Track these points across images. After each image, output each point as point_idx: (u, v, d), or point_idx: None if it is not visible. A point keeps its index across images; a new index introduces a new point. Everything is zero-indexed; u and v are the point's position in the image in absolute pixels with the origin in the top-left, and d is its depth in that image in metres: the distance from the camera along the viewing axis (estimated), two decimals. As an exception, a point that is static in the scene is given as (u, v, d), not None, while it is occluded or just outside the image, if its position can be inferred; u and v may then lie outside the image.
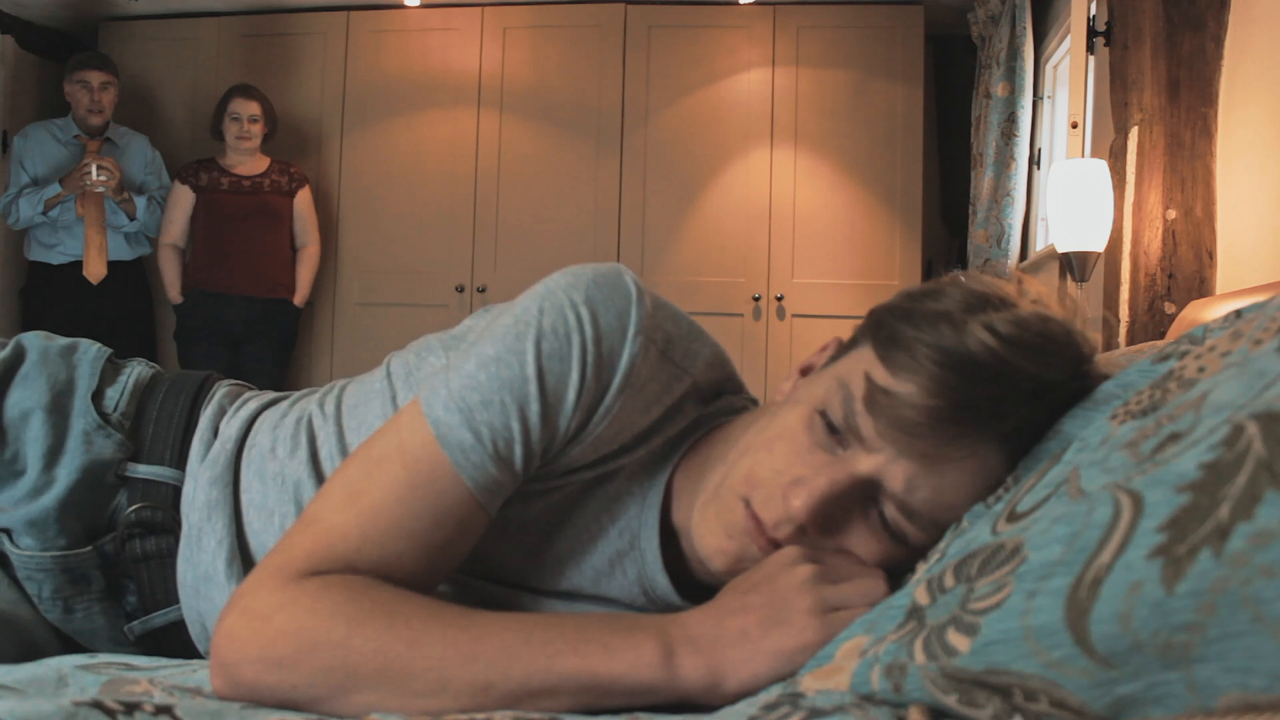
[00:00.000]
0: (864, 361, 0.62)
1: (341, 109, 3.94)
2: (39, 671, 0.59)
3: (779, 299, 3.74)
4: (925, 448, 0.58)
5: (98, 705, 0.47)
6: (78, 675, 0.59)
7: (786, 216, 3.76)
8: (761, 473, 0.63)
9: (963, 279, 0.64)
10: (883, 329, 0.61)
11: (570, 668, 0.56)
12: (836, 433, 0.61)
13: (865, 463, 0.60)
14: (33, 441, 0.75)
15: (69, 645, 0.76)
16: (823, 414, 0.62)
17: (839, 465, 0.60)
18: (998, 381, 0.57)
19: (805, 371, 0.71)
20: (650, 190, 3.84)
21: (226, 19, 4.00)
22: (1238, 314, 0.55)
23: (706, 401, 0.73)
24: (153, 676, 0.60)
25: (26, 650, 0.73)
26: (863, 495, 0.61)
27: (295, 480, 0.74)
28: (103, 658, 0.66)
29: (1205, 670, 0.36)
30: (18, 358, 0.79)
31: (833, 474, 0.60)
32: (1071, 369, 0.60)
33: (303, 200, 3.56)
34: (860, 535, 0.62)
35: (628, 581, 0.70)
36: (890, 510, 0.61)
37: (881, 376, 0.59)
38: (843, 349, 0.67)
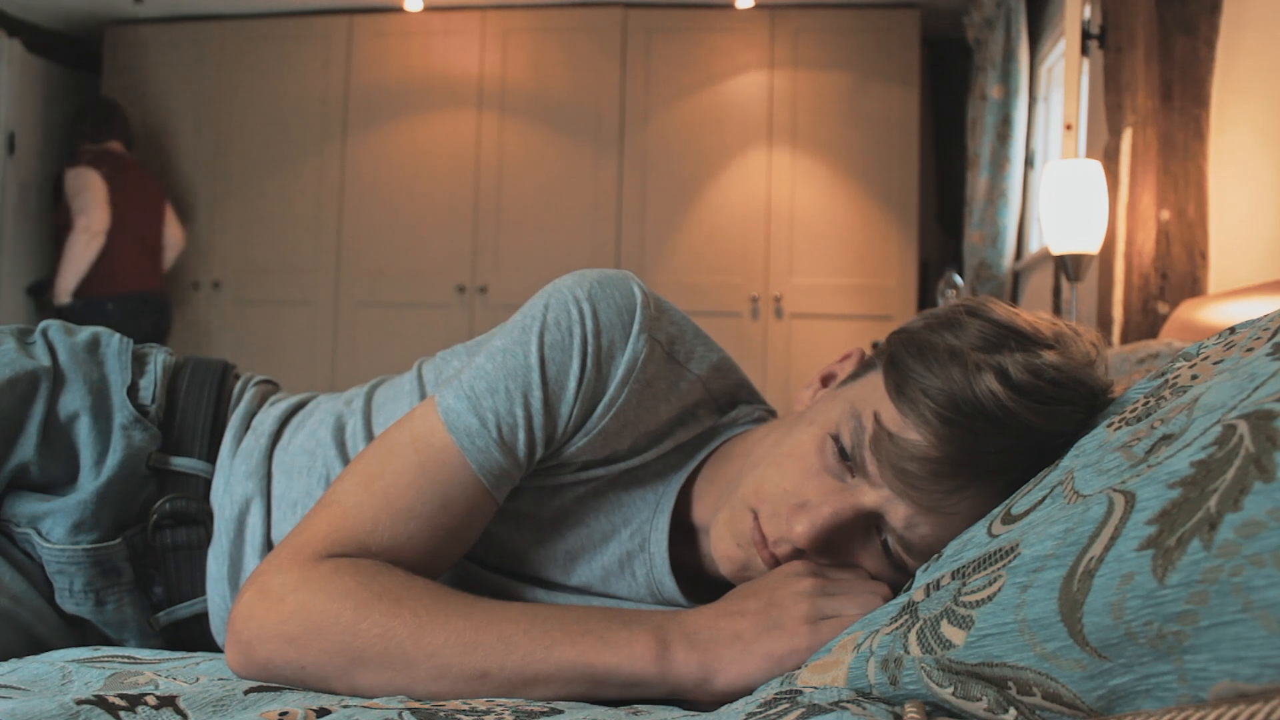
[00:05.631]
0: (877, 393, 0.62)
1: (344, 111, 3.95)
2: (42, 669, 0.59)
3: (777, 299, 3.74)
4: (924, 499, 0.59)
5: (100, 702, 0.47)
6: (81, 670, 0.59)
7: (784, 217, 3.77)
8: (770, 489, 0.64)
9: (984, 307, 0.63)
10: (896, 364, 0.61)
11: (566, 658, 0.58)
12: (847, 459, 0.62)
13: (870, 496, 0.61)
14: (85, 446, 0.77)
15: (73, 639, 0.76)
16: (835, 438, 0.63)
17: (844, 495, 0.62)
18: (1004, 434, 0.57)
19: (826, 381, 0.72)
20: (649, 191, 3.84)
21: (231, 22, 4.01)
22: (1231, 330, 0.56)
23: (722, 410, 0.75)
24: (156, 669, 0.60)
25: (31, 644, 0.73)
26: (865, 523, 0.63)
27: (323, 474, 0.76)
28: (105, 651, 0.66)
29: (1197, 660, 0.37)
30: (53, 358, 0.80)
31: (837, 504, 0.61)
32: (1081, 420, 0.59)
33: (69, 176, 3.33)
34: (861, 557, 0.64)
35: (636, 583, 0.72)
36: (891, 539, 0.62)
37: (890, 417, 0.60)
38: (863, 366, 0.68)
